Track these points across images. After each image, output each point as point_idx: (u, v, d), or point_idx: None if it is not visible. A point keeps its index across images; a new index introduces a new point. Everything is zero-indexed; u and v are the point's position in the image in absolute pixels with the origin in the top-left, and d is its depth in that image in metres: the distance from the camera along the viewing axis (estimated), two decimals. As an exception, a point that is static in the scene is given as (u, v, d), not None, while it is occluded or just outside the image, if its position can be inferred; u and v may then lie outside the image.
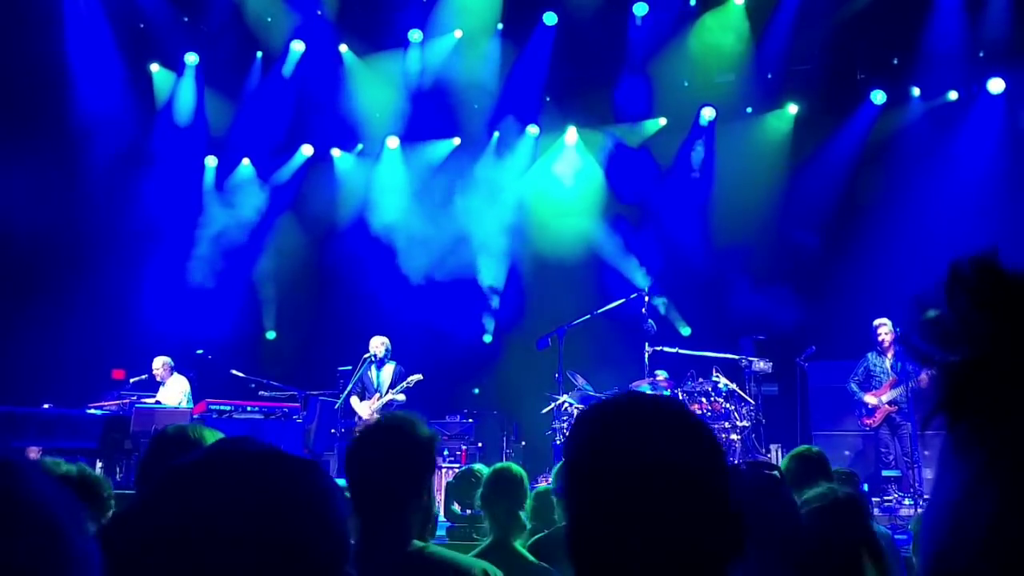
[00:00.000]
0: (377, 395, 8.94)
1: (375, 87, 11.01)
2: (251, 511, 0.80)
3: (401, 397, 8.90)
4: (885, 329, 8.60)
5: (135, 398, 9.15)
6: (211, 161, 11.54)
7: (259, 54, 11.14)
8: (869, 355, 8.75)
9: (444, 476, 9.14)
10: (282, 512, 0.81)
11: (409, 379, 8.85)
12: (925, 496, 8.52)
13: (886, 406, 8.62)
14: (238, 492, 0.81)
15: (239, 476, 0.83)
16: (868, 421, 8.73)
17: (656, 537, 0.99)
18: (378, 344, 9.02)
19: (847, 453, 9.39)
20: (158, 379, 9.35)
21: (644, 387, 9.03)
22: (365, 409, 8.93)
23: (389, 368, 9.01)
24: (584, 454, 1.05)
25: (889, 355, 8.65)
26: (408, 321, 10.36)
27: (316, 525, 0.84)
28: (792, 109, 10.90)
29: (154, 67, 11.06)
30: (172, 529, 0.79)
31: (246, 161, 11.51)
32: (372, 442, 2.06)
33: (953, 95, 10.53)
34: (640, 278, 10.23)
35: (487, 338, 11.15)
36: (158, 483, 0.84)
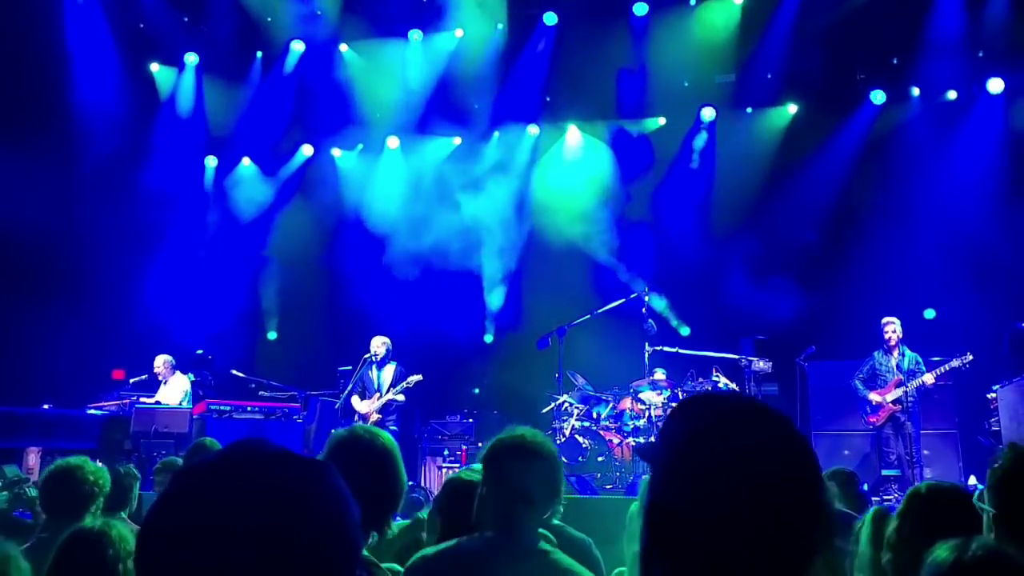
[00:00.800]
0: (377, 394, 8.94)
1: (375, 86, 10.99)
2: (268, 509, 0.82)
3: (400, 397, 8.90)
4: (892, 328, 8.61)
5: (135, 398, 9.15)
6: (211, 161, 11.53)
7: (259, 54, 11.12)
8: (876, 353, 8.75)
9: (443, 476, 9.18)
10: (298, 511, 0.83)
11: (409, 379, 8.85)
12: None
13: (890, 405, 8.62)
14: (256, 490, 0.83)
15: (257, 475, 0.85)
16: (873, 419, 8.74)
17: (755, 535, 0.97)
18: (379, 344, 9.03)
19: (846, 452, 9.41)
20: (160, 378, 9.34)
21: (644, 387, 9.06)
22: (365, 408, 8.94)
23: (390, 368, 9.01)
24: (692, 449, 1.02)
25: (895, 354, 8.65)
26: (409, 321, 10.36)
27: (331, 525, 0.86)
28: (792, 109, 10.90)
29: (154, 67, 11.04)
30: (193, 526, 0.81)
31: (246, 160, 11.51)
32: (519, 449, 2.26)
33: (952, 95, 10.54)
34: (639, 278, 10.22)
35: (488, 338, 11.15)
36: (178, 482, 0.86)
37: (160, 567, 0.81)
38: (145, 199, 10.68)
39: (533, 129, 11.38)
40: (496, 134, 11.37)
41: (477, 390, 10.47)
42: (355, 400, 9.01)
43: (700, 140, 11.03)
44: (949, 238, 9.64)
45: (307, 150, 11.63)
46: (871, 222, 10.05)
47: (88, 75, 10.32)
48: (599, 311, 9.28)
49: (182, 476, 0.87)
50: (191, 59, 10.98)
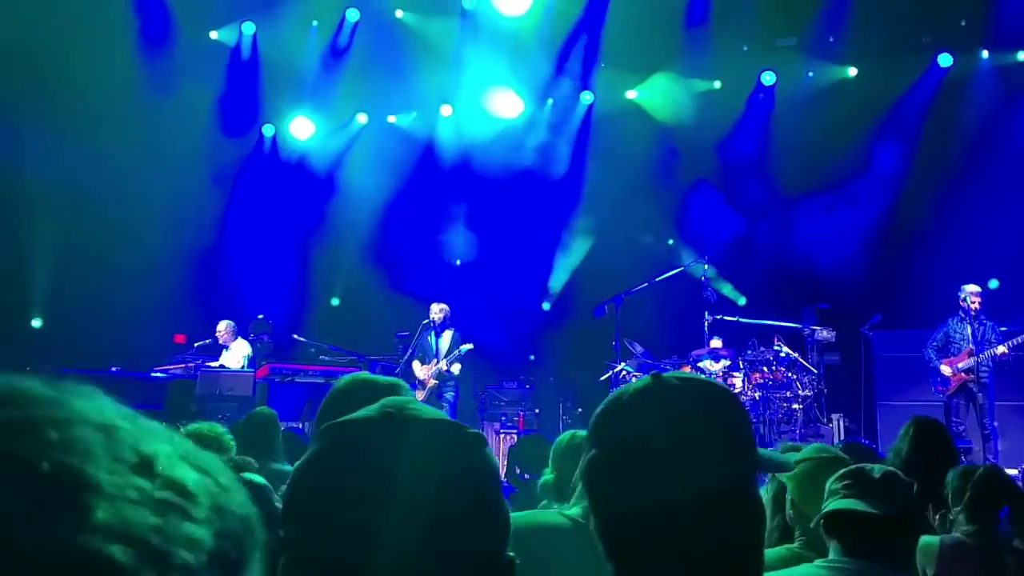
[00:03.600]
0: (435, 360, 9.03)
1: (429, 54, 10.95)
2: (430, 475, 0.78)
3: (456, 368, 8.96)
4: (977, 297, 8.33)
5: (199, 362, 9.32)
6: (268, 130, 11.62)
7: (314, 23, 11.14)
8: (950, 320, 8.51)
9: (504, 441, 9.22)
10: (459, 482, 0.79)
11: (461, 348, 8.93)
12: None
13: (961, 374, 8.41)
14: (417, 454, 0.79)
15: (417, 439, 0.80)
16: (942, 389, 8.54)
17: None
18: (437, 311, 9.10)
19: (912, 424, 9.21)
20: (221, 342, 9.48)
21: (703, 356, 8.97)
22: (423, 373, 9.04)
23: (448, 334, 9.09)
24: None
25: (973, 323, 8.40)
26: (467, 288, 10.38)
27: (488, 496, 0.82)
28: (852, 72, 10.64)
29: (213, 34, 11.14)
30: (348, 486, 0.78)
31: (304, 126, 11.55)
32: None
33: (1022, 55, 10.19)
34: (698, 246, 10.08)
35: (545, 305, 11.11)
36: (332, 438, 0.83)
37: (311, 521, 0.78)
38: (208, 163, 10.81)
39: (587, 96, 11.26)
40: (550, 101, 11.28)
41: (532, 356, 10.46)
42: (416, 365, 9.10)
43: (760, 104, 10.81)
44: (1019, 205, 9.33)
45: (362, 118, 11.65)
46: (939, 188, 9.77)
47: (150, 43, 10.46)
48: (657, 279, 9.20)
49: (337, 431, 0.83)
50: (248, 29, 11.05)
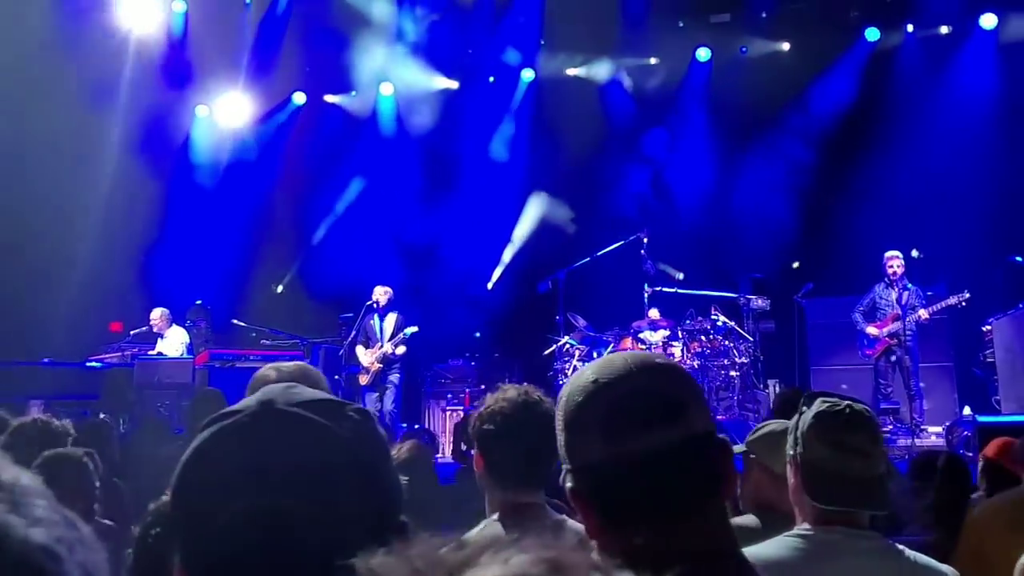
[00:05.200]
0: (379, 344, 8.97)
1: (367, 31, 10.80)
2: (313, 454, 0.80)
3: (401, 350, 8.92)
4: (898, 262, 8.67)
5: (136, 350, 9.11)
6: (203, 110, 11.34)
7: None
8: (876, 287, 8.84)
9: (450, 418, 9.27)
10: (343, 456, 0.81)
11: (405, 330, 8.88)
12: (923, 427, 8.74)
13: (887, 338, 8.74)
14: (298, 436, 0.81)
15: (297, 421, 0.82)
16: (870, 352, 8.87)
17: None
18: (381, 293, 9.03)
19: (844, 387, 9.53)
20: (156, 331, 9.28)
21: (644, 327, 9.14)
22: (367, 358, 8.97)
23: (391, 317, 9.03)
24: None
25: (897, 288, 8.74)
26: (410, 268, 10.35)
27: (377, 464, 0.84)
28: (785, 47, 10.87)
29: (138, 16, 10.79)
30: (231, 474, 0.79)
31: (238, 107, 11.31)
32: None
33: (945, 30, 10.54)
34: (637, 219, 10.21)
35: (489, 285, 11.15)
36: (213, 429, 0.83)
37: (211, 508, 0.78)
38: (138, 147, 10.51)
39: (528, 73, 11.27)
40: (492, 79, 11.27)
41: (478, 334, 10.50)
42: (359, 350, 9.03)
43: (695, 80, 10.98)
44: (943, 173, 9.69)
45: (300, 97, 11.46)
46: (866, 159, 10.07)
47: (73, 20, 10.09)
48: (599, 253, 9.32)
49: (218, 426, 0.83)
50: (178, 7, 10.74)
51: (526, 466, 2.07)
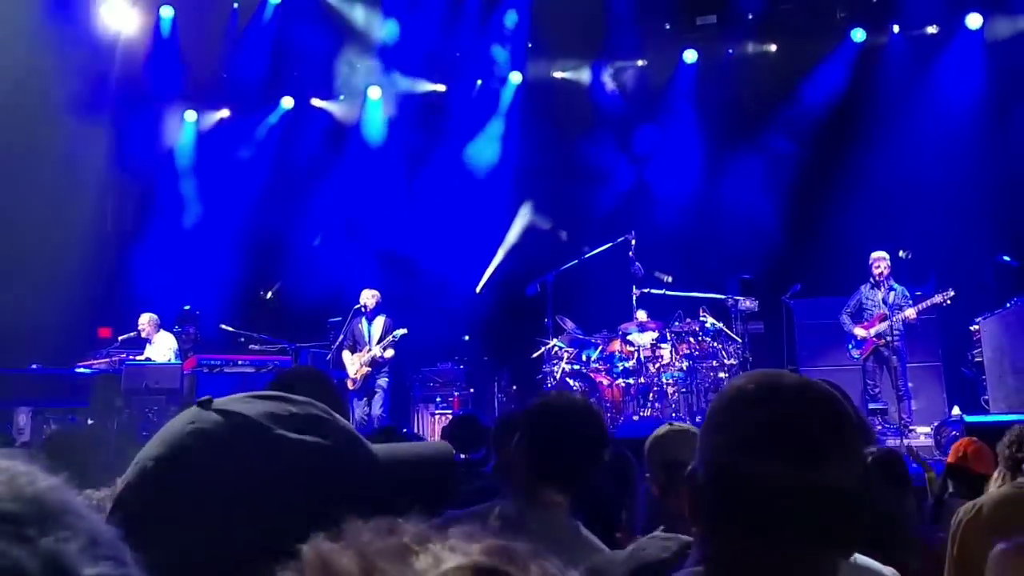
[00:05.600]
0: (367, 348, 8.95)
1: (355, 34, 10.83)
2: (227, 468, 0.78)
3: (390, 353, 8.91)
4: (884, 262, 8.68)
5: (124, 356, 9.10)
6: (190, 115, 11.35)
7: (235, 3, 10.89)
8: (863, 287, 8.85)
9: (439, 422, 9.26)
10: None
11: (395, 333, 8.86)
12: (911, 427, 8.74)
13: (874, 338, 8.75)
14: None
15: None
16: (858, 353, 8.87)
17: None
18: (368, 296, 9.01)
19: (832, 388, 9.55)
20: (144, 336, 9.28)
21: (632, 329, 9.14)
22: (355, 362, 8.94)
23: (379, 321, 9.01)
24: None
25: (883, 288, 8.75)
26: (398, 271, 10.34)
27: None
28: (772, 48, 10.89)
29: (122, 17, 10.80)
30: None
31: (226, 113, 11.33)
32: None
33: (932, 30, 10.57)
34: (626, 222, 10.22)
35: (478, 289, 11.16)
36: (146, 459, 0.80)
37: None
38: (127, 153, 10.52)
39: (516, 76, 11.28)
40: (479, 82, 11.28)
41: (467, 337, 10.49)
42: (346, 355, 9.00)
43: (682, 82, 10.99)
44: (931, 173, 9.71)
45: (287, 102, 11.47)
46: (853, 160, 10.09)
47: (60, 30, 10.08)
48: (587, 255, 9.33)
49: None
50: (166, 12, 10.75)
51: None
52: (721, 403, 1.06)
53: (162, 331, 9.31)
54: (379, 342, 8.89)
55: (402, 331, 8.85)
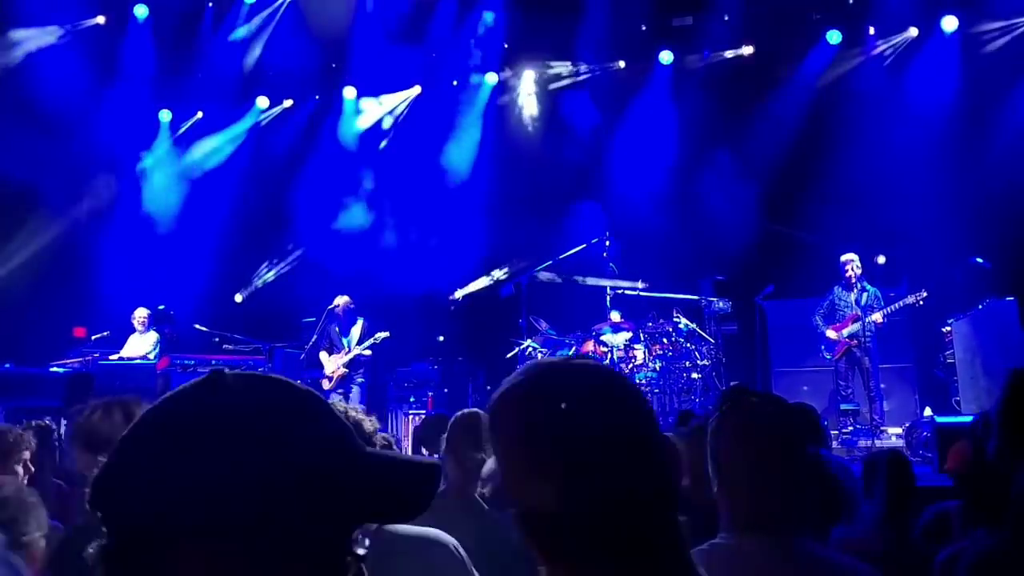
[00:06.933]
0: (345, 351, 9.01)
1: (329, 35, 10.82)
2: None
3: (367, 352, 8.99)
4: (854, 264, 8.73)
5: (97, 355, 9.11)
6: (165, 115, 11.35)
7: (209, 3, 10.89)
8: (836, 288, 8.89)
9: (411, 422, 9.28)
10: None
11: (376, 336, 8.95)
12: (882, 428, 8.78)
13: (846, 340, 8.78)
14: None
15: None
16: (830, 354, 8.91)
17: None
18: (344, 300, 9.09)
19: (805, 389, 9.59)
20: (140, 329, 9.32)
21: (605, 330, 9.16)
22: (332, 364, 9.00)
23: (358, 323, 9.09)
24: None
25: (855, 290, 8.79)
26: (373, 272, 10.36)
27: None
28: (748, 51, 10.91)
29: (100, 19, 10.80)
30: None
31: (200, 114, 11.33)
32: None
33: (908, 33, 10.60)
34: (600, 222, 10.25)
35: (457, 294, 11.15)
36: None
37: None
38: (101, 154, 10.51)
39: (491, 77, 11.30)
40: (455, 83, 11.29)
41: (441, 338, 10.52)
42: (323, 356, 9.08)
43: (657, 82, 11.02)
44: (904, 174, 9.75)
45: (262, 102, 11.47)
46: (827, 161, 10.12)
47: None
48: (561, 257, 9.36)
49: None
50: (140, 11, 10.74)
51: None
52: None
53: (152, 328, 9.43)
54: (359, 342, 8.96)
55: (384, 334, 8.94)
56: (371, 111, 11.37)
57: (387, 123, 11.38)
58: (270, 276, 11.29)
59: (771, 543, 1.69)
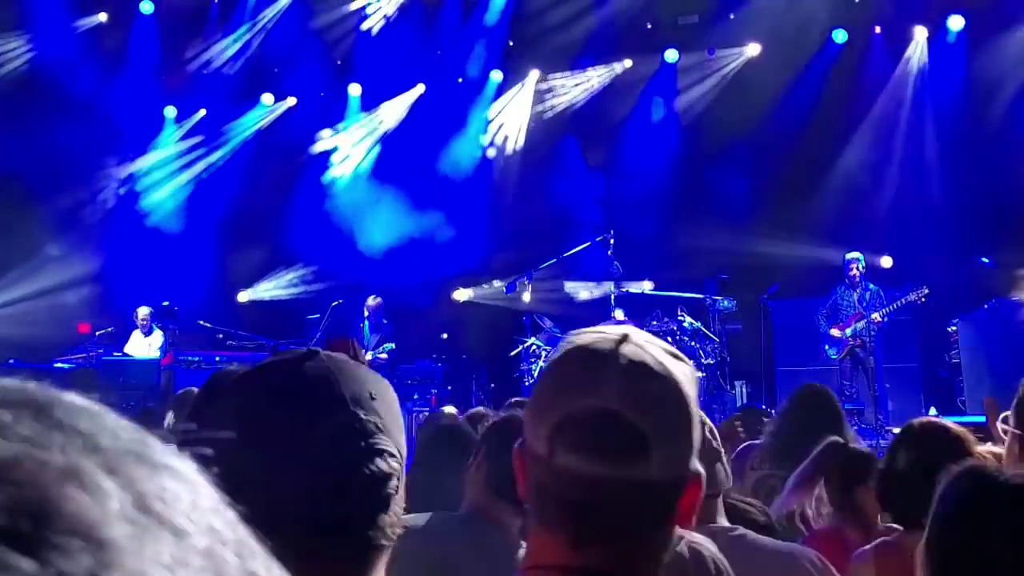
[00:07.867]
0: (364, 352, 9.04)
1: (333, 32, 10.83)
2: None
3: (384, 356, 9.08)
4: (858, 263, 8.69)
5: (101, 351, 9.13)
6: (170, 111, 11.35)
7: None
8: (839, 288, 8.85)
9: (414, 420, 9.27)
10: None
11: (384, 346, 9.10)
12: (887, 428, 8.75)
13: (849, 339, 8.75)
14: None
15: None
16: (835, 354, 8.88)
17: None
18: (376, 303, 9.22)
19: (809, 388, 9.54)
20: (143, 328, 9.34)
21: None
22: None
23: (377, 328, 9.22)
24: None
25: (858, 289, 8.75)
26: (377, 269, 10.37)
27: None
28: (754, 49, 10.88)
29: (102, 16, 10.80)
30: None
31: (203, 111, 11.33)
32: None
33: (914, 33, 10.57)
34: (605, 221, 10.23)
35: (463, 295, 11.16)
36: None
37: None
38: (107, 151, 10.53)
39: (496, 75, 11.29)
40: (460, 80, 11.28)
41: (445, 335, 10.51)
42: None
43: (664, 82, 11.00)
44: (910, 174, 9.73)
45: (268, 99, 11.47)
46: (833, 161, 10.10)
47: (44, 27, 10.11)
48: (565, 255, 9.34)
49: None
50: (146, 7, 10.74)
51: None
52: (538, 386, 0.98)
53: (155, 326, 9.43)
54: (375, 348, 9.05)
55: (390, 345, 9.03)
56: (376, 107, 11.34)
57: (391, 123, 11.35)
58: (280, 293, 11.27)
59: None
